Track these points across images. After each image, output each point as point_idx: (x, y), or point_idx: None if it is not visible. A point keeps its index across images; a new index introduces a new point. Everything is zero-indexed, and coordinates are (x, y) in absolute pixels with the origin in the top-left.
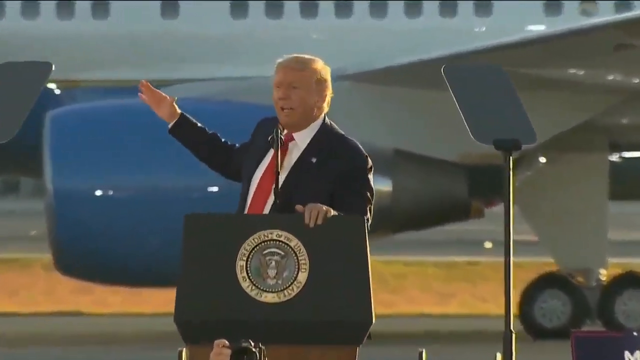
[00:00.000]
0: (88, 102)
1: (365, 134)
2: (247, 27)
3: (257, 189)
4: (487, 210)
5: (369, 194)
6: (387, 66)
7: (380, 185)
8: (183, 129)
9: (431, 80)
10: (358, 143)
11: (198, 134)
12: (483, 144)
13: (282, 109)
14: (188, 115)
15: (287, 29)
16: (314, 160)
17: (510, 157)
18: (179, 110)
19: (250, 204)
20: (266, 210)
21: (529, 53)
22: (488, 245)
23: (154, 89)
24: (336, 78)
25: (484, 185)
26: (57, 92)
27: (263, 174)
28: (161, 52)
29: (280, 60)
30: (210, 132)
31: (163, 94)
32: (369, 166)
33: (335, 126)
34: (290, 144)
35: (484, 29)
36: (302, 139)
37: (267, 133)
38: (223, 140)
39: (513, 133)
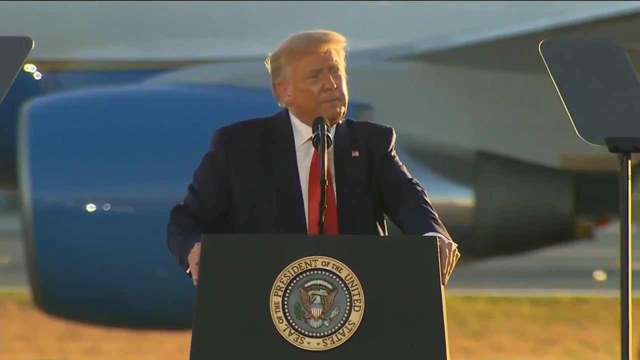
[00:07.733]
0: (78, 90)
1: (440, 131)
2: None
3: (313, 207)
4: (597, 230)
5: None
6: (469, 41)
7: (459, 197)
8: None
9: (526, 59)
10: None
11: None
12: (592, 143)
13: (331, 100)
14: (196, 236)
15: None
16: (356, 153)
17: (629, 162)
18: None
19: (310, 225)
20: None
21: None
22: (599, 276)
23: None
24: (403, 58)
25: (594, 198)
26: (38, 76)
27: (311, 186)
28: (170, 25)
29: (298, 36)
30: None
31: None
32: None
33: None
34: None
35: None
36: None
37: (250, 145)
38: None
39: (632, 130)
